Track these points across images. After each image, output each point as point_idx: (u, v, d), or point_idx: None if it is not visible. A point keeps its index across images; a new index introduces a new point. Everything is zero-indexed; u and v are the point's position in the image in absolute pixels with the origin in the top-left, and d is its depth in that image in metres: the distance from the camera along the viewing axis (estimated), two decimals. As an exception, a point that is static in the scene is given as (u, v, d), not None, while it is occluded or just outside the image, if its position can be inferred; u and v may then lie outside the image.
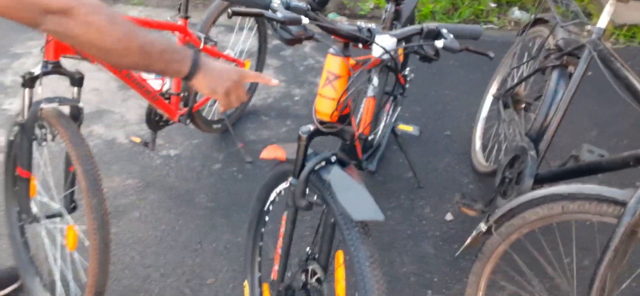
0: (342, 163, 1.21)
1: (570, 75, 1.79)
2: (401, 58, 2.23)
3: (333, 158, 1.19)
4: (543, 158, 1.79)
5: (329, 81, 1.15)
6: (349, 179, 1.14)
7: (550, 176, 1.72)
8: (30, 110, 1.50)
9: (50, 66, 1.53)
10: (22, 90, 1.52)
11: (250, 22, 2.64)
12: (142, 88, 1.93)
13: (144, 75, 1.98)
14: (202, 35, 2.16)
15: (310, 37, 1.01)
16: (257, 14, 0.93)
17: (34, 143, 1.57)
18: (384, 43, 1.06)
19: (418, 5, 4.18)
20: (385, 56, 1.07)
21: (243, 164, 2.38)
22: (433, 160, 2.46)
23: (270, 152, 1.36)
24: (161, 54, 0.91)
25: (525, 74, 2.10)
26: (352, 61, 1.19)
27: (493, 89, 2.45)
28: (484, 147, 2.43)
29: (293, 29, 0.97)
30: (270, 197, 1.44)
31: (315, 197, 1.22)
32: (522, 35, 2.23)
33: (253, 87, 2.82)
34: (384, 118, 2.16)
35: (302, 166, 1.19)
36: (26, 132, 1.51)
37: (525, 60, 2.13)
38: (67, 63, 1.62)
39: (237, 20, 2.62)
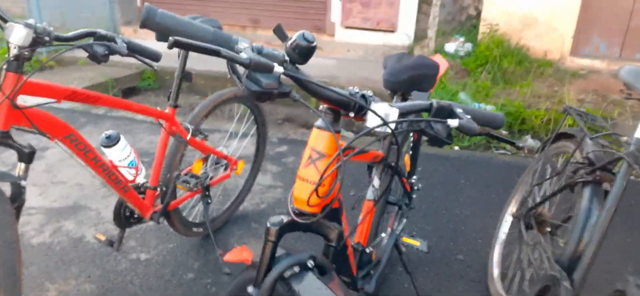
0: (322, 271, 0.91)
1: (606, 193, 1.52)
2: (408, 166, 1.99)
3: (310, 263, 0.90)
4: (580, 290, 1.45)
5: (312, 161, 0.90)
6: (328, 293, 0.83)
7: (591, 315, 1.37)
8: (-43, 183, 1.25)
9: (-3, 136, 1.31)
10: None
11: (247, 124, 2.47)
12: (111, 177, 1.68)
13: (116, 161, 1.76)
14: (191, 127, 1.97)
15: (285, 94, 0.78)
16: (215, 51, 0.71)
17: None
18: (383, 112, 0.82)
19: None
20: (382, 129, 0.83)
21: (220, 275, 2.05)
22: (444, 287, 2.11)
23: (236, 254, 1.07)
24: None
25: (549, 192, 1.83)
26: (343, 141, 0.95)
27: (512, 209, 2.17)
28: (503, 275, 2.09)
29: (262, 79, 0.74)
30: (233, 313, 1.12)
31: (284, 317, 0.91)
32: (543, 150, 1.99)
33: (245, 190, 2.57)
34: (387, 231, 1.86)
35: (269, 271, 0.89)
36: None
37: (547, 177, 1.87)
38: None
39: (235, 119, 2.45)
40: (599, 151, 1.59)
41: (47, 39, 1.29)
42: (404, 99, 1.57)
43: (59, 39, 1.32)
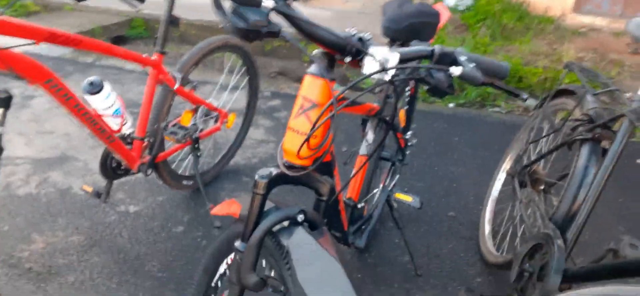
0: (312, 226, 0.87)
1: (604, 151, 1.49)
2: (402, 122, 1.94)
3: (300, 217, 0.86)
4: (572, 249, 1.45)
5: (303, 110, 0.85)
6: (317, 248, 0.80)
7: (583, 274, 1.36)
8: None
9: (-30, 80, 1.24)
10: None
11: (238, 75, 2.39)
12: (95, 126, 1.62)
13: (100, 110, 1.69)
14: (179, 75, 1.89)
15: (274, 34, 0.72)
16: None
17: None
18: (382, 56, 0.76)
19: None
20: (380, 75, 0.77)
21: (210, 229, 2.02)
22: (435, 244, 2.10)
23: (225, 207, 1.03)
24: None
25: (546, 150, 1.79)
26: (338, 87, 0.89)
27: (506, 166, 2.14)
28: (494, 232, 2.08)
29: (250, 15, 0.67)
30: (220, 268, 1.08)
31: (272, 272, 0.87)
32: (541, 107, 1.95)
33: (236, 144, 2.52)
34: (379, 186, 1.83)
35: (257, 225, 0.85)
36: None
37: (544, 134, 1.83)
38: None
39: (226, 68, 2.37)
40: (600, 108, 1.55)
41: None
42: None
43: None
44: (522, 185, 1.84)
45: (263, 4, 0.66)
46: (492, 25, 4.79)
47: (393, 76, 0.79)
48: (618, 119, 1.44)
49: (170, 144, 2.03)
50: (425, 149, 2.89)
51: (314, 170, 0.91)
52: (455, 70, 0.81)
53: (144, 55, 1.77)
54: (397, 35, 1.34)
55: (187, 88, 1.98)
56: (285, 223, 0.85)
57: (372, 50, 0.77)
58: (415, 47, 0.84)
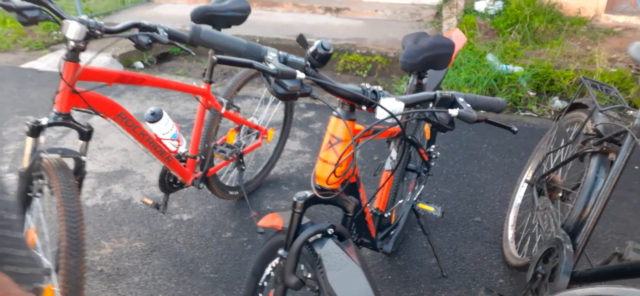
0: (340, 237, 1.08)
1: (612, 163, 1.62)
2: (428, 135, 2.12)
3: (330, 230, 1.07)
4: (581, 253, 1.58)
5: (331, 145, 1.05)
6: (344, 257, 1.00)
7: (590, 275, 1.50)
8: (30, 159, 1.47)
9: (60, 117, 1.51)
10: (27, 139, 1.50)
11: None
12: (157, 149, 1.89)
13: (160, 135, 1.96)
14: (225, 101, 2.14)
15: (306, 94, 0.93)
16: (248, 64, 0.86)
17: (34, 196, 1.53)
18: (390, 106, 0.96)
19: (454, 89, 4.11)
20: (391, 120, 0.97)
21: (255, 235, 2.26)
22: (461, 248, 2.26)
23: (269, 220, 1.25)
24: None
25: (561, 160, 1.93)
26: (359, 126, 1.10)
27: (528, 175, 2.27)
28: (516, 237, 2.22)
29: (288, 83, 0.88)
30: (266, 270, 1.31)
31: (309, 275, 1.08)
32: (558, 120, 2.08)
33: (275, 156, 2.75)
34: (406, 196, 2.01)
35: (296, 237, 1.06)
36: (23, 181, 1.47)
37: (561, 145, 1.96)
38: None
39: (265, 90, 2.61)
40: (608, 123, 1.68)
41: (98, 32, 1.46)
42: (420, 77, 1.68)
43: (108, 31, 1.49)
44: (540, 193, 1.98)
45: (297, 76, 0.87)
46: (523, 29, 4.84)
47: (406, 120, 0.98)
48: (622, 134, 1.57)
49: (218, 160, 2.28)
50: (453, 157, 3.03)
51: (341, 191, 1.11)
52: (453, 112, 0.99)
53: (195, 85, 2.03)
54: (413, 68, 1.53)
55: (231, 111, 2.23)
56: (318, 235, 1.05)
57: (382, 101, 0.96)
58: (419, 94, 1.02)
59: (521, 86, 4.12)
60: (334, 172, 1.03)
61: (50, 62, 4.74)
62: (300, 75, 0.88)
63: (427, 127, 2.16)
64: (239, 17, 2.01)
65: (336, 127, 1.05)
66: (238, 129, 2.34)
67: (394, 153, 1.69)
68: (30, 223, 1.60)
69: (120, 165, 2.87)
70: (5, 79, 4.27)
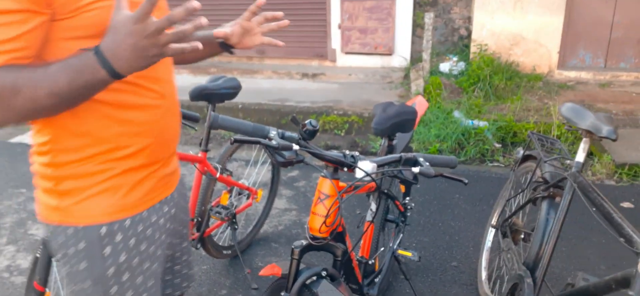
0: (332, 278, 1.29)
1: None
2: (403, 189, 2.37)
3: (324, 273, 1.28)
4: (541, 285, 1.82)
5: (321, 200, 1.29)
6: (338, 293, 1.21)
7: (549, 303, 1.74)
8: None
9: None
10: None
11: (263, 156, 2.87)
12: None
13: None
14: (219, 166, 2.37)
15: (300, 161, 1.17)
16: (256, 141, 1.10)
17: (54, 261, 1.69)
18: (365, 167, 1.21)
19: (426, 144, 4.44)
20: (367, 178, 1.22)
21: (249, 290, 2.43)
22: (440, 291, 2.47)
23: (269, 270, 1.45)
24: (70, 84, 0.82)
25: (519, 205, 2.20)
26: (342, 183, 1.34)
27: (494, 220, 2.54)
28: (489, 277, 2.45)
29: (286, 153, 1.13)
30: (269, 314, 1.50)
31: (308, 313, 1.29)
32: (515, 170, 2.37)
33: (264, 214, 2.96)
34: (387, 244, 2.24)
35: (295, 280, 1.27)
36: (46, 248, 1.65)
37: (518, 192, 2.24)
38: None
39: (253, 154, 2.85)
40: (552, 171, 1.97)
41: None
42: (390, 139, 1.96)
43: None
44: (504, 235, 2.23)
45: (293, 148, 1.12)
46: (485, 86, 5.28)
47: (381, 177, 1.23)
48: (564, 180, 1.85)
49: (212, 221, 2.47)
50: (429, 207, 3.29)
51: (330, 240, 1.34)
52: (415, 169, 1.25)
53: (192, 154, 2.26)
54: (383, 133, 1.80)
55: (224, 175, 2.45)
56: (314, 278, 1.26)
57: (360, 163, 1.22)
58: (387, 156, 1.29)
59: (487, 139, 4.47)
60: (325, 222, 1.26)
61: (40, 136, 4.90)
62: (295, 147, 1.13)
63: (401, 184, 2.42)
64: (231, 93, 2.28)
65: (323, 185, 1.30)
66: (230, 191, 2.55)
67: (373, 206, 1.94)
68: (48, 288, 1.76)
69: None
70: (-4, 155, 4.41)
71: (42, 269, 1.66)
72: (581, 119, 1.80)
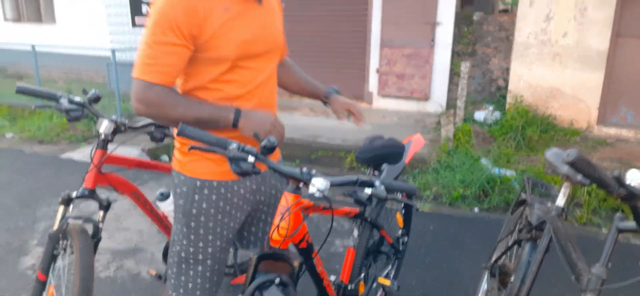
0: (284, 287, 1.38)
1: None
2: (400, 223, 2.42)
3: (277, 280, 1.37)
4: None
5: (281, 213, 1.39)
6: (284, 300, 1.30)
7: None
8: (60, 223, 1.85)
9: (86, 192, 1.91)
10: (59, 207, 1.89)
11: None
12: (162, 223, 2.26)
13: (166, 212, 2.33)
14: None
15: (257, 173, 1.29)
16: (212, 150, 1.24)
17: (59, 254, 1.89)
18: (318, 184, 1.31)
19: (450, 189, 4.42)
20: (318, 194, 1.31)
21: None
22: (431, 331, 2.46)
23: (240, 279, 1.56)
24: (210, 117, 1.39)
25: (506, 247, 2.19)
26: (307, 201, 1.43)
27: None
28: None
29: (242, 165, 1.25)
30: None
31: (260, 315, 1.37)
32: (511, 213, 2.37)
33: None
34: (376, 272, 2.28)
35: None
36: (51, 241, 1.84)
37: (506, 234, 2.24)
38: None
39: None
40: (539, 215, 1.97)
41: (123, 128, 1.90)
42: (376, 169, 2.04)
43: (131, 127, 1.93)
44: (492, 276, 2.22)
45: (248, 159, 1.24)
46: (517, 137, 5.21)
47: (365, 205, 1.33)
48: (544, 223, 1.85)
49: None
50: (437, 247, 3.28)
51: (300, 253, 1.45)
52: (368, 190, 1.33)
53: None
54: (366, 162, 1.89)
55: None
56: (267, 284, 1.36)
57: (313, 180, 1.32)
58: (343, 177, 1.38)
59: (513, 188, 4.40)
60: (276, 229, 1.36)
61: (86, 153, 5.33)
62: (250, 159, 1.26)
63: (399, 215, 2.47)
64: None
65: (285, 198, 1.40)
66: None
67: (355, 232, 2.01)
68: (52, 281, 1.95)
69: (134, 243, 3.23)
70: (46, 167, 4.83)
71: (45, 260, 1.86)
72: (561, 164, 1.81)
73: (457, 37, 6.55)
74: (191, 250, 1.57)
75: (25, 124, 6.41)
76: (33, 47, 7.62)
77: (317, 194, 1.33)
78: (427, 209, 4.17)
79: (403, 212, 2.53)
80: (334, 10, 7.07)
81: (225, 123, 1.39)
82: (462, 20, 6.56)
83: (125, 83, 7.71)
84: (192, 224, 1.54)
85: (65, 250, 1.85)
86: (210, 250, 1.58)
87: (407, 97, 6.82)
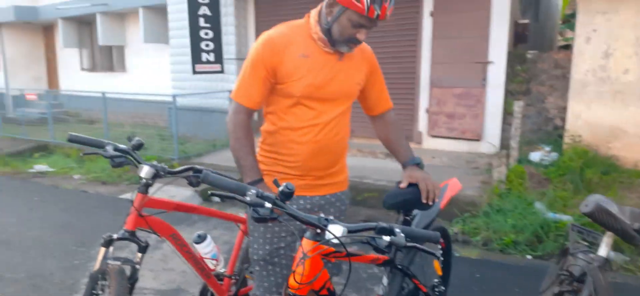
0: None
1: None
2: (439, 270, 2.35)
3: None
4: None
5: (301, 259, 1.40)
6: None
7: None
8: (100, 264, 1.96)
9: (127, 234, 2.02)
10: (100, 248, 2.00)
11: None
12: (198, 265, 2.32)
13: (202, 254, 2.40)
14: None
15: (274, 219, 1.32)
16: (232, 197, 1.28)
17: (98, 295, 1.98)
18: (335, 231, 1.31)
19: (500, 234, 4.22)
20: (335, 241, 1.31)
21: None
22: None
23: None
24: (242, 167, 1.76)
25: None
26: (325, 247, 1.43)
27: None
28: None
29: (260, 210, 1.29)
30: None
31: None
32: (557, 263, 2.23)
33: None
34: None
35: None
36: (92, 281, 1.95)
37: (548, 286, 2.10)
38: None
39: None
40: (580, 266, 1.85)
41: (162, 173, 2.01)
42: (406, 215, 2.01)
43: (169, 172, 2.04)
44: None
45: (265, 205, 1.27)
46: (575, 179, 4.92)
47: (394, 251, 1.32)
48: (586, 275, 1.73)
49: (251, 282, 2.64)
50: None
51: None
52: (387, 238, 1.31)
53: (235, 215, 2.50)
54: (393, 207, 1.87)
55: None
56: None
57: (330, 227, 1.32)
58: (361, 224, 1.37)
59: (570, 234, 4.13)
60: (292, 274, 1.37)
61: (144, 194, 5.60)
62: (268, 205, 1.29)
63: (437, 263, 2.40)
64: None
65: (304, 244, 1.41)
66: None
67: (384, 280, 1.96)
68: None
69: (177, 284, 3.33)
70: (105, 207, 5.13)
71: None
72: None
73: (510, 76, 6.37)
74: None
75: (91, 166, 6.87)
76: (103, 94, 8.24)
77: (334, 240, 1.33)
78: (475, 255, 4.00)
79: (442, 259, 2.45)
80: (383, 51, 7.13)
81: (242, 175, 1.79)
82: (515, 58, 6.39)
83: (185, 126, 8.17)
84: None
85: (103, 290, 1.94)
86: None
87: (458, 137, 6.67)
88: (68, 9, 11.59)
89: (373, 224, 1.38)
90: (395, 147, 2.07)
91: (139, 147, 2.06)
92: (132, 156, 2.05)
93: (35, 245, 4.18)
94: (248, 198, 1.29)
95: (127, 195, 5.60)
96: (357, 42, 1.73)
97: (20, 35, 13.66)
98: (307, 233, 1.42)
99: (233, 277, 2.50)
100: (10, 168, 7.49)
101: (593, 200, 1.79)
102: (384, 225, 1.36)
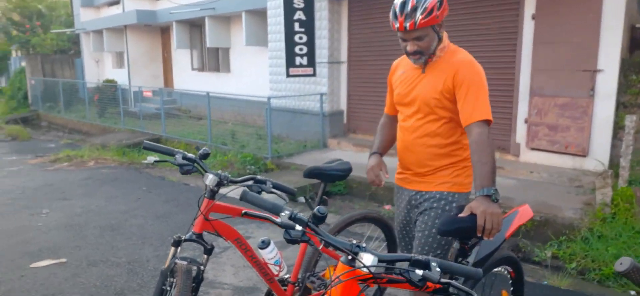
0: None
1: None
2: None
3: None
4: None
5: (334, 285, 1.41)
6: None
7: None
8: (170, 262, 2.13)
9: (194, 236, 2.18)
10: (171, 248, 2.18)
11: (378, 232, 2.99)
12: (262, 270, 2.42)
13: (266, 259, 2.50)
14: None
15: (306, 241, 1.34)
16: (265, 217, 1.33)
17: (167, 290, 2.16)
18: (364, 260, 1.30)
19: (600, 264, 3.82)
20: (364, 270, 1.30)
21: None
22: None
23: None
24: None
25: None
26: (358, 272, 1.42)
27: None
28: None
29: (292, 232, 1.32)
30: None
31: None
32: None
33: None
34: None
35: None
36: (162, 277, 2.13)
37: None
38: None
39: (369, 231, 3.01)
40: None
41: (226, 182, 2.14)
42: (464, 243, 1.91)
43: (232, 181, 2.16)
44: None
45: (296, 228, 1.30)
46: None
47: (378, 270, 1.30)
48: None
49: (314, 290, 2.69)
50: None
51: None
52: (419, 272, 1.27)
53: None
54: (448, 234, 1.79)
55: (330, 248, 2.67)
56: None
57: (361, 254, 1.31)
58: (395, 254, 1.33)
59: (687, 272, 3.61)
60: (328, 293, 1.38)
61: (239, 190, 5.95)
62: (298, 228, 1.32)
63: (505, 293, 2.25)
64: (341, 175, 2.54)
65: (338, 268, 1.42)
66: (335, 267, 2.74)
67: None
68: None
69: (253, 282, 3.49)
70: (200, 201, 5.53)
71: (156, 293, 2.14)
72: None
73: (623, 86, 5.70)
74: None
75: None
76: (207, 93, 8.90)
77: (363, 269, 1.32)
78: (565, 284, 3.66)
79: (511, 289, 2.30)
80: (478, 57, 6.77)
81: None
82: (629, 66, 5.70)
83: (279, 126, 8.53)
84: None
85: (171, 286, 2.12)
86: None
87: (560, 151, 6.12)
88: (181, 13, 12.67)
89: (407, 256, 1.34)
90: (474, 169, 1.93)
91: (205, 156, 2.21)
92: (199, 164, 2.21)
93: (138, 232, 4.65)
94: (278, 220, 1.33)
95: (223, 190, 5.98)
96: (410, 54, 2.02)
97: (142, 37, 15.24)
98: (343, 258, 1.42)
99: (296, 284, 2.57)
100: (127, 158, 8.40)
101: (627, 260, 1.58)
102: (418, 257, 1.32)
